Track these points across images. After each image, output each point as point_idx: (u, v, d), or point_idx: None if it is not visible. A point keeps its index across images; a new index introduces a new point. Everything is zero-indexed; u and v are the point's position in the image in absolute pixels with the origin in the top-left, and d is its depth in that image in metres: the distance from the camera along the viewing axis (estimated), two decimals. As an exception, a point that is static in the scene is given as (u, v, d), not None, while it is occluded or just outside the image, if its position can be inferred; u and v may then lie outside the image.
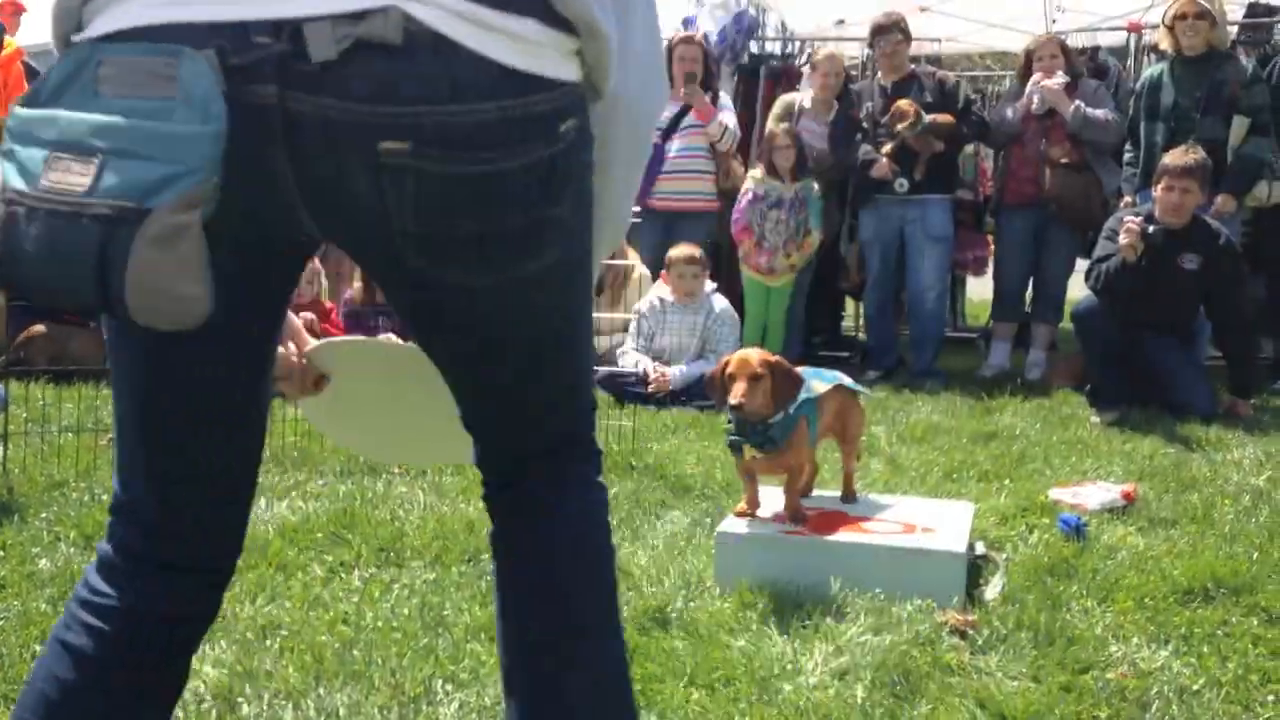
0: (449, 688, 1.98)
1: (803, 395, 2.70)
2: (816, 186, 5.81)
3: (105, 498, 2.93)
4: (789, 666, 2.11)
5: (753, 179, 5.82)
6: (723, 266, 6.43)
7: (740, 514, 2.76)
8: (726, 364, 2.63)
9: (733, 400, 2.54)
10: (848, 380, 2.92)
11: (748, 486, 2.79)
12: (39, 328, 5.15)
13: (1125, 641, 2.26)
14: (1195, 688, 2.05)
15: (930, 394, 5.26)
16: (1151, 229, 4.63)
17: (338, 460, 3.55)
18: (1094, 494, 3.30)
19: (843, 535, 2.63)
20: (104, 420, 3.76)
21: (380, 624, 2.26)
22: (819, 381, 2.81)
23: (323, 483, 3.35)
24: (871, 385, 5.49)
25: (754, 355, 2.60)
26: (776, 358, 2.63)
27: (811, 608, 2.36)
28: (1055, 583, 2.56)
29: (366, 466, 3.49)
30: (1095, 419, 4.57)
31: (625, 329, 5.46)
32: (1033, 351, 6.04)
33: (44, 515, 2.90)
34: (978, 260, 7.07)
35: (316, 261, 5.30)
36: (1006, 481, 3.54)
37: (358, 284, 5.55)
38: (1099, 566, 2.68)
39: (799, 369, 2.78)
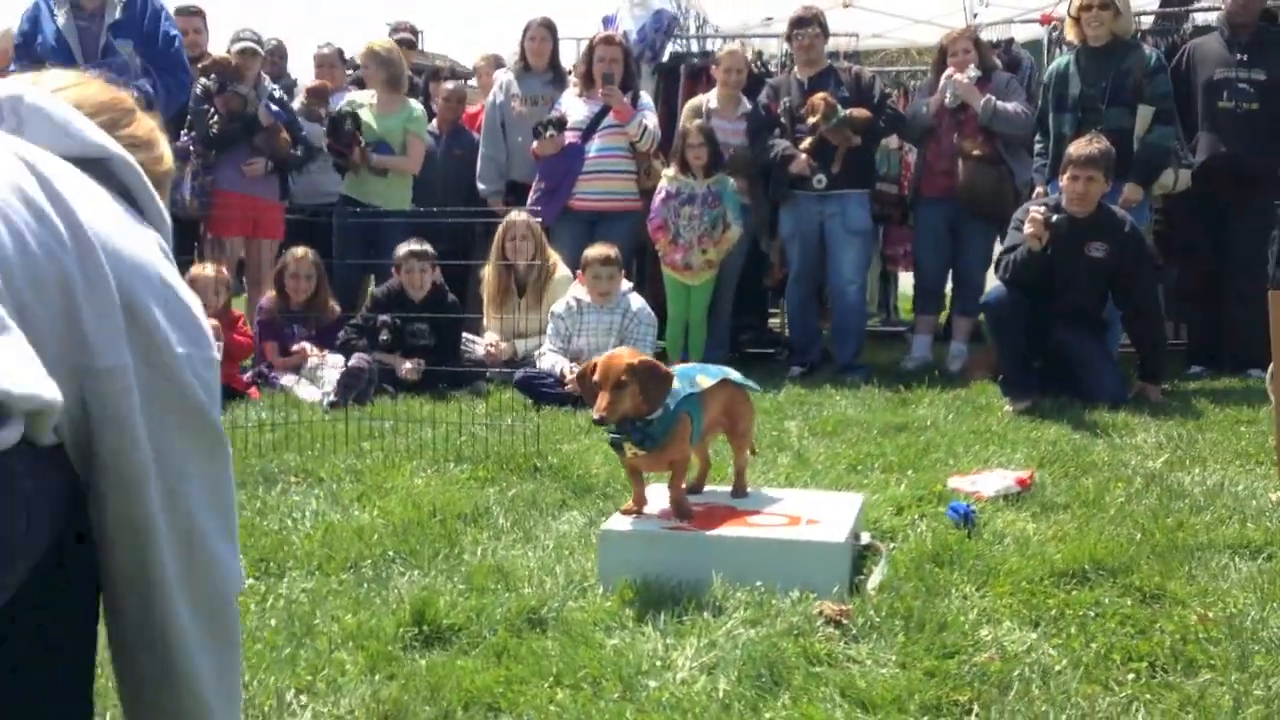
0: (303, 699, 1.94)
1: (686, 390, 2.69)
2: (732, 181, 5.82)
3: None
4: (659, 663, 2.10)
5: (666, 177, 5.81)
6: (647, 267, 6.42)
7: (627, 512, 2.74)
8: (594, 367, 2.59)
9: (594, 416, 2.52)
10: (735, 375, 2.91)
11: (635, 484, 2.77)
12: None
13: (997, 625, 2.27)
14: (1058, 668, 2.06)
15: (851, 388, 5.27)
16: (1055, 218, 4.69)
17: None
18: (991, 481, 3.31)
19: (725, 530, 2.62)
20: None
21: (244, 636, 2.21)
22: (704, 376, 2.79)
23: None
24: (796, 381, 5.52)
25: (621, 358, 2.55)
26: (642, 357, 2.59)
27: (689, 603, 2.35)
28: (936, 570, 2.57)
29: (260, 475, 3.43)
30: (1009, 408, 4.61)
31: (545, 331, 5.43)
32: (954, 344, 6.08)
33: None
34: (909, 255, 7.12)
35: (224, 270, 5.21)
36: (909, 472, 3.55)
37: (272, 292, 5.47)
38: (983, 553, 2.69)
39: (677, 366, 2.77)
